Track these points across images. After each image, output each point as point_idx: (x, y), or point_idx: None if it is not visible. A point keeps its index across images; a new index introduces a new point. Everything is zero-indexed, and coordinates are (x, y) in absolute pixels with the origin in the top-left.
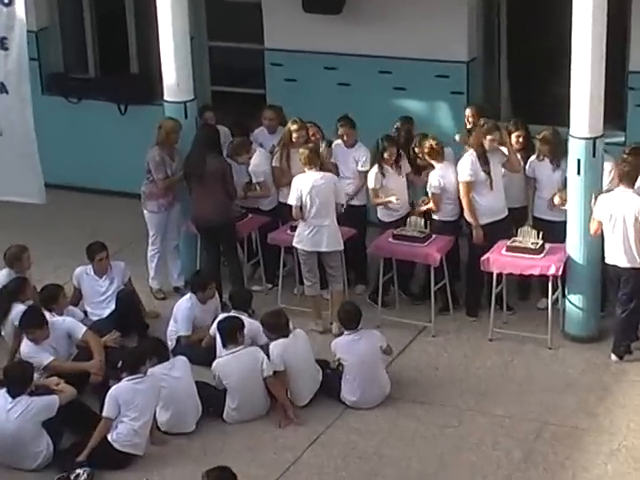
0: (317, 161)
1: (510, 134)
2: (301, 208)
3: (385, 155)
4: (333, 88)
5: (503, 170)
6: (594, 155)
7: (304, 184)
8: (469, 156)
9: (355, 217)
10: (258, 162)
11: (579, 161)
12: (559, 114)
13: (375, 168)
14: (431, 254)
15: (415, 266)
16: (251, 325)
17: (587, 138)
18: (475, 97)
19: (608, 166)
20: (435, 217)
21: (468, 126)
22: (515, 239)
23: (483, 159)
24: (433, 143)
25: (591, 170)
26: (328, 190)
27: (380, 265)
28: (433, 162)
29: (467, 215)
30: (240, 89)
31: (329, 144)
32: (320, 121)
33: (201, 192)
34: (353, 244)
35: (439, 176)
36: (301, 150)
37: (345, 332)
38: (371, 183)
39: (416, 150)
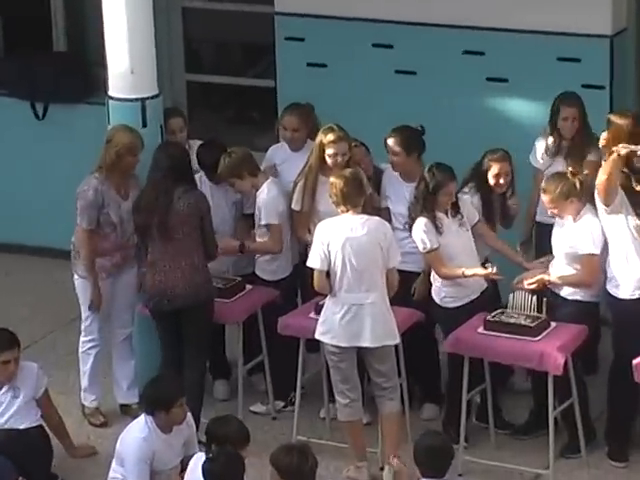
0: (358, 199)
1: None
2: (328, 274)
3: (440, 196)
4: (386, 78)
5: None
6: None
7: (333, 235)
8: None
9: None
10: (275, 195)
11: None
12: None
13: (423, 219)
14: (550, 355)
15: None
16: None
17: None
18: (622, 94)
19: None
20: (564, 294)
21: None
22: None
23: None
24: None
25: None
26: (373, 246)
27: (463, 371)
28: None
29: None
30: (234, 80)
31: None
32: (362, 133)
33: (161, 252)
34: (417, 337)
35: (594, 229)
36: (333, 179)
37: None
38: (419, 242)
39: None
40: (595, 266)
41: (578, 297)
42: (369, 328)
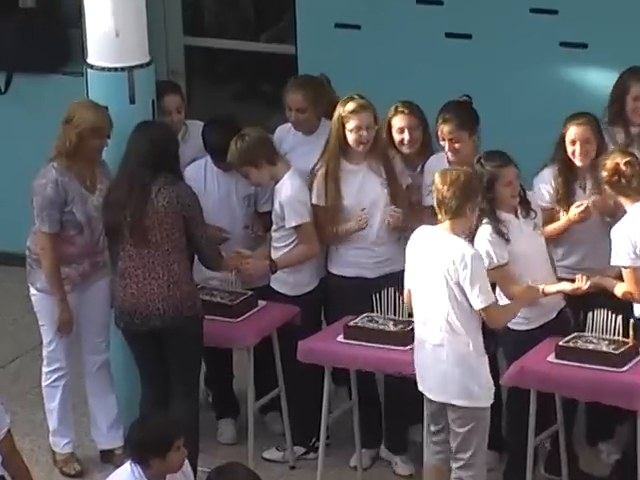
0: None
1: None
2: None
3: (500, 188)
4: (435, 43)
5: None
6: None
7: (421, 256)
8: None
9: None
10: (299, 187)
11: None
12: None
13: (487, 227)
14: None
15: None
16: None
17: None
18: None
19: None
20: None
21: None
22: None
23: None
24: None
25: None
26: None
27: (529, 410)
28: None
29: None
30: (243, 44)
31: None
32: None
33: (135, 258)
34: None
35: None
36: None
37: None
38: (485, 257)
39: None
40: None
41: None
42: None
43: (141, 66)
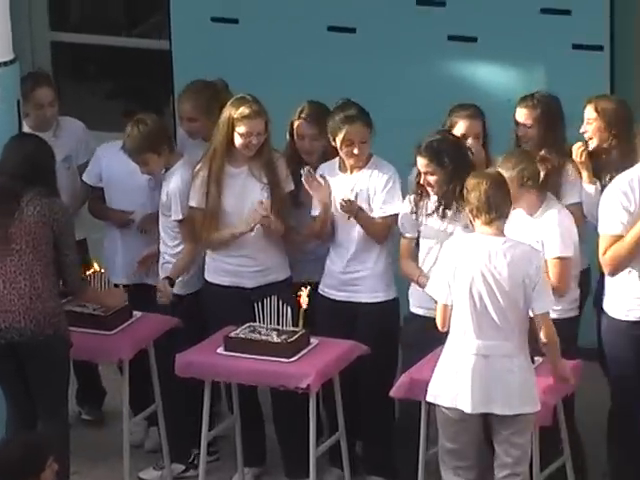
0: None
1: None
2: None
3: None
4: (318, 36)
5: None
6: None
7: (464, 260)
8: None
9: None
10: (189, 182)
11: None
12: None
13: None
14: None
15: None
16: None
17: None
18: (626, 56)
19: None
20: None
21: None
22: None
23: None
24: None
25: None
26: (514, 282)
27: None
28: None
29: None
30: (114, 40)
31: None
32: (283, 111)
33: None
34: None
35: None
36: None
37: None
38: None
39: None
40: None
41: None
42: (501, 389)
43: (5, 64)
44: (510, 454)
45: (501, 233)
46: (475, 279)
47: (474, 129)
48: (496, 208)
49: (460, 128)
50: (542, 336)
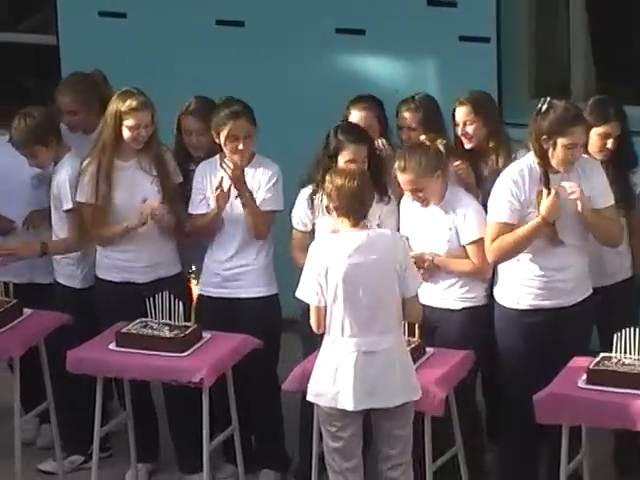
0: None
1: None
2: (325, 310)
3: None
4: (207, 31)
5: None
6: None
7: (334, 259)
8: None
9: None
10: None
11: None
12: None
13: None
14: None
15: None
16: None
17: None
18: (512, 47)
19: None
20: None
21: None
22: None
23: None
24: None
25: None
26: (386, 271)
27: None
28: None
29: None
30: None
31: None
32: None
33: None
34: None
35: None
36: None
37: None
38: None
39: None
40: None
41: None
42: (381, 384)
43: None
44: (394, 446)
45: (365, 227)
46: (348, 277)
47: (368, 121)
48: (361, 208)
49: (354, 119)
50: (409, 316)
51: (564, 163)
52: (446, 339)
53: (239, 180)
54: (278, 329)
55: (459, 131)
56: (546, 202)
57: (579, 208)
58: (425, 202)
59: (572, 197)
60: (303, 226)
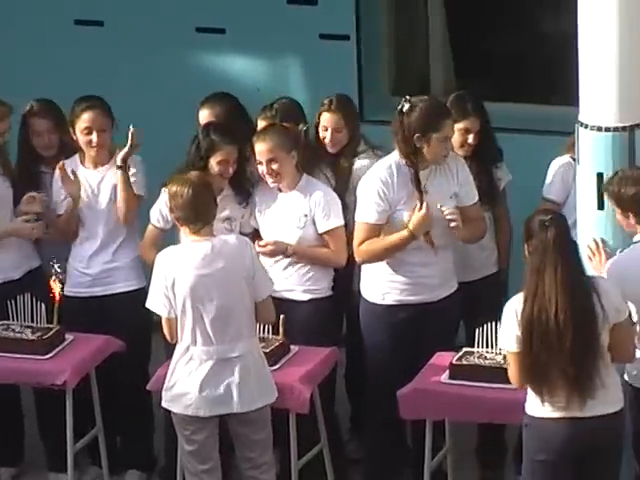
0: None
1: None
2: (176, 321)
3: None
4: (63, 28)
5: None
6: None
7: (180, 271)
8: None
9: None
10: None
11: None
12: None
13: None
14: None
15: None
16: None
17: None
18: (372, 45)
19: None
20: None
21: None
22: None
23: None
24: None
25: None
26: (235, 279)
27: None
28: None
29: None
30: None
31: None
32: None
33: None
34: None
35: None
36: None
37: None
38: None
39: None
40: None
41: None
42: (235, 391)
43: None
44: (253, 449)
45: (209, 235)
46: (195, 288)
47: (210, 118)
48: (202, 216)
49: (203, 117)
50: (262, 319)
51: (440, 157)
52: (291, 330)
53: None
54: (149, 325)
55: (326, 137)
56: (416, 218)
57: (457, 235)
58: (278, 178)
59: (452, 225)
60: (160, 223)
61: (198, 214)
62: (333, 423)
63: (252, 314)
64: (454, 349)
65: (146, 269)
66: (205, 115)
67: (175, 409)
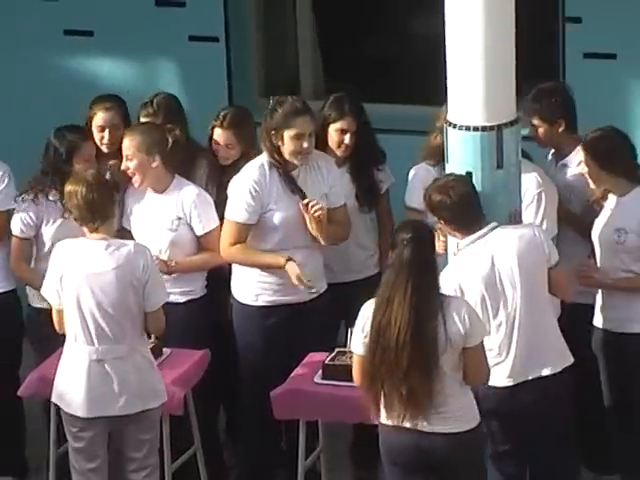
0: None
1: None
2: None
3: None
4: None
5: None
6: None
7: (70, 265)
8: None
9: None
10: None
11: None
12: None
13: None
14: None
15: None
16: None
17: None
18: (241, 47)
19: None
20: None
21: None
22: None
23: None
24: None
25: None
26: (122, 284)
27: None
28: None
29: None
30: None
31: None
32: None
33: None
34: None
35: None
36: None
37: None
38: None
39: None
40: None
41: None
42: (123, 391)
43: None
44: (138, 449)
45: (108, 234)
46: (82, 287)
47: (113, 120)
48: (98, 214)
49: (98, 120)
50: (151, 329)
51: (295, 154)
52: (170, 332)
53: None
54: (19, 329)
55: (219, 151)
56: (295, 271)
57: (318, 234)
58: (137, 179)
59: (317, 214)
60: (24, 233)
61: (94, 213)
62: (211, 427)
63: (138, 320)
64: (331, 349)
65: None
66: (104, 117)
67: (62, 406)
